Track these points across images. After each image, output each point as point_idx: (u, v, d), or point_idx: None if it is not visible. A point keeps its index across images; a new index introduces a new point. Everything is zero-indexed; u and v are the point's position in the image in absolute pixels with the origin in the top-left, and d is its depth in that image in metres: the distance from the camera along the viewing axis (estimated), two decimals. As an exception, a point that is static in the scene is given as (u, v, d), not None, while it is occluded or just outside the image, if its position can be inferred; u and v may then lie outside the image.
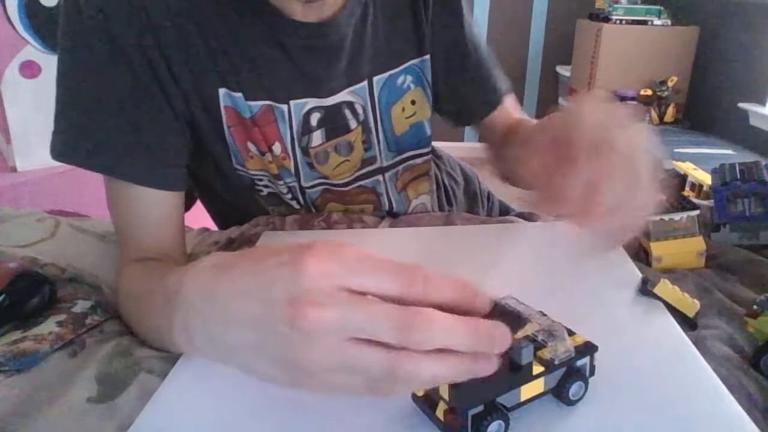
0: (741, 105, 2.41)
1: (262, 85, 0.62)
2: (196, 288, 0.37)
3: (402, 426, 0.35)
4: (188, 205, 0.78)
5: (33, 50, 1.53)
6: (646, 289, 0.47)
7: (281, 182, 0.68)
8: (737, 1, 2.49)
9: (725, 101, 2.56)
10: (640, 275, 0.51)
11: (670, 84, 2.66)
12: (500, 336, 0.30)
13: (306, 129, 0.66)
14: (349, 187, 0.72)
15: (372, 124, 0.70)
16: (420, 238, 0.64)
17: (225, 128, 0.62)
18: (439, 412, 0.34)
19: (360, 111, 0.69)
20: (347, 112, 0.67)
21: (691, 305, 0.46)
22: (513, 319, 0.32)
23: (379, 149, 0.72)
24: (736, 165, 0.63)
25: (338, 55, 0.64)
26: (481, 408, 0.32)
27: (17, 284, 0.48)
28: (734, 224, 0.60)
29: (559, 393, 0.35)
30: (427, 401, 0.35)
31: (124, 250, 0.58)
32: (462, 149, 0.89)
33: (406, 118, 0.73)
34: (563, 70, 3.33)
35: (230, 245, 0.67)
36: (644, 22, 2.74)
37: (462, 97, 0.77)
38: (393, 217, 0.74)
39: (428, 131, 0.75)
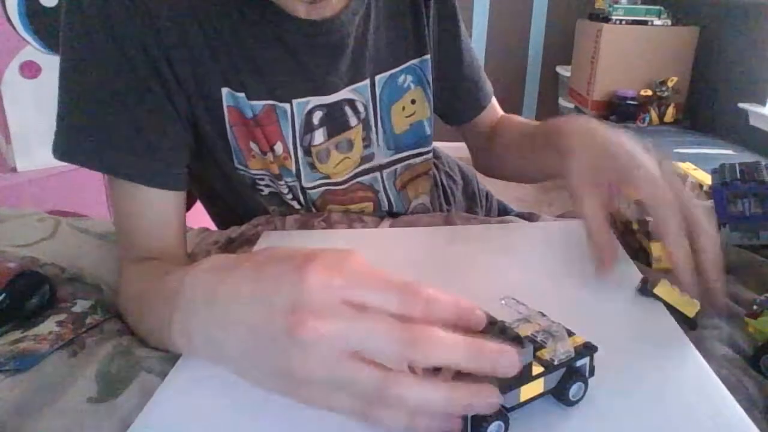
0: (741, 105, 2.41)
1: (264, 85, 0.62)
2: (196, 289, 0.37)
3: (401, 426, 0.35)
4: (188, 205, 0.78)
5: (33, 50, 1.54)
6: (646, 289, 0.47)
7: (282, 182, 0.68)
8: (737, 1, 2.49)
9: (725, 101, 2.56)
10: (640, 275, 0.51)
11: (670, 84, 2.66)
12: (508, 359, 0.30)
13: (308, 128, 0.66)
14: (348, 185, 0.72)
15: (372, 122, 0.70)
16: (420, 238, 0.64)
17: (227, 128, 0.62)
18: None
19: (361, 109, 0.69)
20: (348, 109, 0.68)
21: (691, 305, 0.46)
22: (513, 338, 0.32)
23: (378, 147, 0.72)
24: (736, 165, 0.63)
25: (341, 53, 0.64)
26: (480, 408, 0.32)
27: (17, 284, 0.48)
28: (734, 224, 0.60)
29: (559, 393, 0.35)
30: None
31: (126, 250, 0.58)
32: (461, 149, 0.89)
33: (406, 117, 0.73)
34: (563, 70, 3.33)
35: (230, 245, 0.67)
36: (644, 22, 2.74)
37: (455, 98, 0.79)
38: (393, 217, 0.74)
39: (428, 131, 0.76)
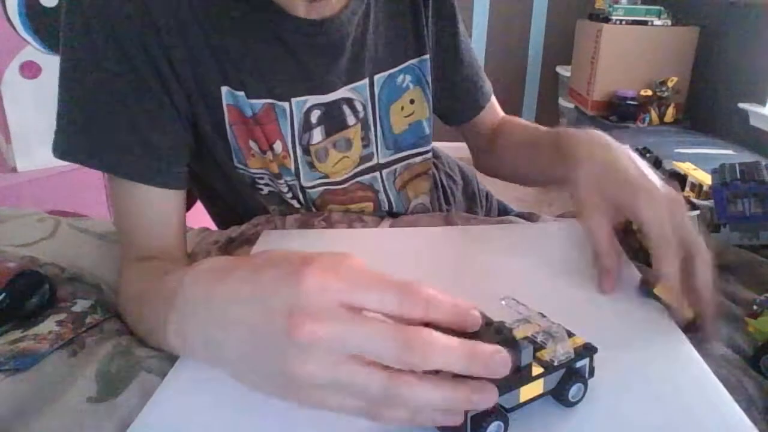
0: (741, 105, 2.40)
1: (264, 83, 0.62)
2: (195, 289, 0.37)
3: (401, 426, 0.35)
4: (188, 205, 0.78)
5: (33, 50, 1.53)
6: (646, 290, 0.47)
7: (281, 181, 0.68)
8: (737, 1, 2.49)
9: (725, 101, 2.56)
10: (640, 275, 0.51)
11: (670, 84, 2.66)
12: (500, 361, 0.30)
13: (306, 126, 0.66)
14: (347, 184, 0.72)
15: (371, 122, 0.70)
16: (420, 238, 0.64)
17: (227, 126, 0.62)
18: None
19: (360, 108, 0.69)
20: (346, 108, 0.68)
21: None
22: (507, 340, 0.32)
23: (377, 146, 0.72)
24: (736, 165, 0.63)
25: (340, 52, 0.64)
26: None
27: (17, 284, 0.48)
28: (734, 224, 0.60)
29: (559, 394, 0.35)
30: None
31: (126, 250, 0.58)
32: (461, 149, 0.89)
33: (405, 116, 0.73)
34: (563, 70, 3.33)
35: (230, 245, 0.67)
36: (644, 23, 2.73)
37: (454, 98, 0.79)
38: (393, 217, 0.74)
39: (427, 130, 0.76)
